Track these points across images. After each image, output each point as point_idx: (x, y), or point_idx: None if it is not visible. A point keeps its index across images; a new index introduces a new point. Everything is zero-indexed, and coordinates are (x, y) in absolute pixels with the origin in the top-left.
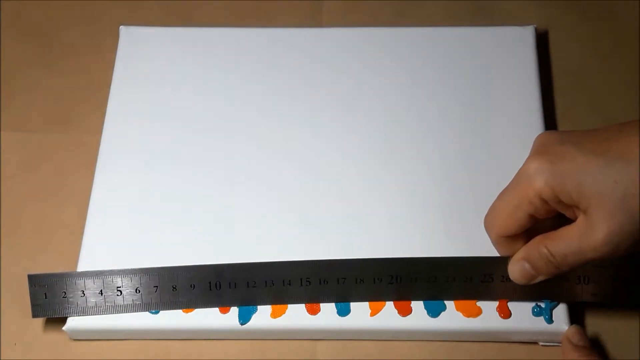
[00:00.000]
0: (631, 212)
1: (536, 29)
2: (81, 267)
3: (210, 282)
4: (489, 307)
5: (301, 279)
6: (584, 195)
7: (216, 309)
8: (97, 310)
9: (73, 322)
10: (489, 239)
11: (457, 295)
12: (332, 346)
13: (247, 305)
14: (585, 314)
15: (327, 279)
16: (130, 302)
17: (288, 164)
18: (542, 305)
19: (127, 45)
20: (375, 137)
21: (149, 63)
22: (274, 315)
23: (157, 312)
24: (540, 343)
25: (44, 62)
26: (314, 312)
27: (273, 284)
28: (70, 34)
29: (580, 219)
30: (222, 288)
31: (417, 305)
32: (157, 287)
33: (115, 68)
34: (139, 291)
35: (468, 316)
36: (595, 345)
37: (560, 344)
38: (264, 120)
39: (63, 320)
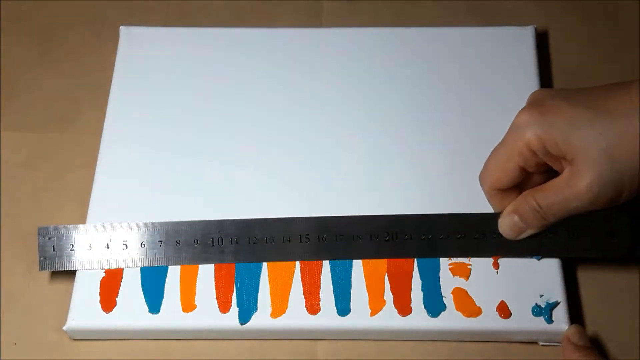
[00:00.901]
0: (613, 163)
1: (536, 29)
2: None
3: (212, 238)
4: (489, 307)
5: (300, 236)
6: (570, 145)
7: (216, 309)
8: (102, 263)
9: (73, 322)
10: (482, 200)
11: (450, 252)
12: (332, 346)
13: (247, 262)
14: (585, 313)
15: (326, 236)
16: (135, 257)
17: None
18: (542, 305)
19: (127, 45)
20: (374, 137)
21: (149, 63)
22: (274, 315)
23: (157, 312)
24: (540, 343)
25: (44, 62)
26: (314, 312)
27: (273, 240)
28: (70, 34)
29: (566, 170)
30: (224, 244)
31: (417, 305)
32: (161, 241)
33: (115, 68)
34: (144, 245)
35: (468, 316)
36: (595, 345)
37: (560, 344)
38: (263, 120)
39: (63, 321)
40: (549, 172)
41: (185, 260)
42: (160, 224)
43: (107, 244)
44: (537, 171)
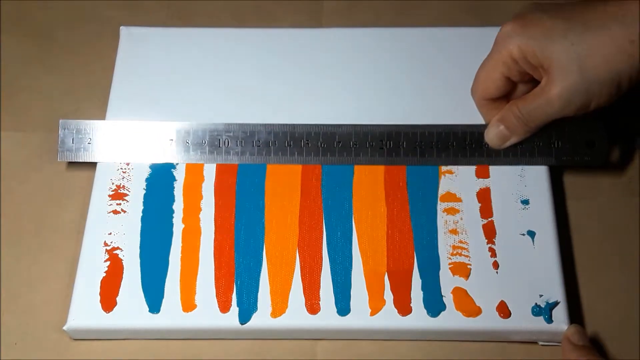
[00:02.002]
0: (583, 72)
1: None
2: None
3: (219, 139)
4: (488, 307)
5: (301, 141)
6: (545, 55)
7: (216, 309)
8: (115, 157)
9: (73, 322)
10: (471, 113)
11: (441, 160)
12: (332, 346)
13: (250, 163)
14: (585, 314)
15: (325, 142)
16: (147, 154)
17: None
18: (542, 305)
19: (127, 45)
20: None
21: (149, 63)
22: (274, 315)
23: (157, 312)
24: (540, 343)
25: (44, 62)
26: (314, 311)
27: (276, 144)
28: (70, 34)
29: (543, 79)
30: (230, 145)
31: (417, 305)
32: (172, 140)
33: (115, 68)
34: (156, 143)
35: (468, 316)
36: (595, 345)
37: (560, 344)
38: (263, 119)
39: (63, 320)
40: (533, 83)
41: (194, 159)
42: (172, 124)
43: (122, 141)
44: (522, 80)
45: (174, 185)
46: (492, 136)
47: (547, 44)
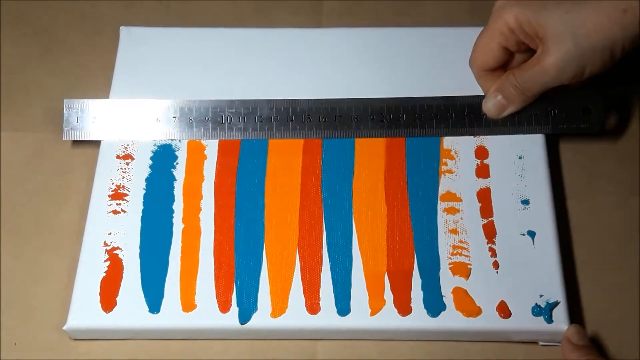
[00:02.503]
0: (577, 39)
1: None
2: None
3: (222, 116)
4: (488, 307)
5: (302, 115)
6: (540, 23)
7: (216, 309)
8: (119, 134)
9: (73, 322)
10: (470, 85)
11: (441, 131)
12: (332, 346)
13: (253, 138)
14: (585, 313)
15: (326, 116)
16: (151, 131)
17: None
18: (542, 305)
19: (127, 45)
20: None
21: (149, 63)
22: (274, 315)
23: (157, 312)
24: (540, 343)
25: (44, 62)
26: (314, 311)
27: (278, 120)
28: (70, 34)
29: (539, 48)
30: (232, 121)
31: (417, 305)
32: (175, 117)
33: (115, 68)
34: (159, 120)
35: (468, 316)
36: (595, 344)
37: (560, 344)
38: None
39: (63, 320)
40: (530, 53)
41: (197, 135)
42: (175, 102)
43: (126, 119)
44: (518, 50)
45: (174, 185)
46: (490, 106)
47: (542, 13)
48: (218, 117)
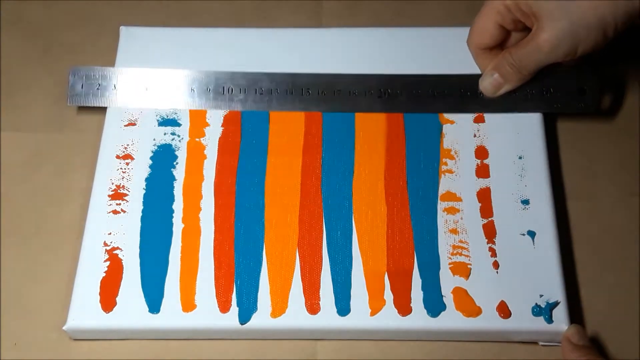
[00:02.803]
0: (571, 17)
1: None
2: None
3: (224, 87)
4: (489, 307)
5: (302, 89)
6: (536, 2)
7: (216, 309)
8: (123, 102)
9: (73, 322)
10: (467, 64)
11: (438, 108)
12: (332, 346)
13: (253, 110)
14: (585, 313)
15: (325, 91)
16: (154, 100)
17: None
18: (542, 305)
19: (127, 45)
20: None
21: (149, 63)
22: (274, 315)
23: (157, 312)
24: (540, 343)
25: (44, 62)
26: (314, 311)
27: (278, 92)
28: (70, 34)
29: (534, 25)
30: (233, 93)
31: (417, 305)
32: (178, 87)
33: (115, 68)
34: (162, 89)
35: (468, 316)
36: (595, 345)
37: (560, 344)
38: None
39: (63, 320)
40: (527, 31)
41: (200, 105)
42: (178, 72)
43: (130, 87)
44: (515, 29)
45: (174, 185)
46: (486, 84)
47: None
48: (220, 88)
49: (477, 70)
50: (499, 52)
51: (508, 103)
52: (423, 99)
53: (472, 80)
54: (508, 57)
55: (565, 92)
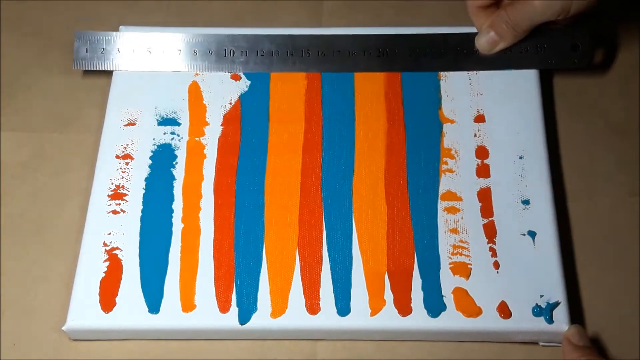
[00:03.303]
0: None
1: None
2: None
3: (225, 50)
4: (489, 307)
5: (302, 50)
6: None
7: (216, 309)
8: (127, 65)
9: (73, 322)
10: (463, 21)
11: (435, 66)
12: (332, 346)
13: (255, 71)
14: (585, 314)
15: (325, 51)
16: (157, 62)
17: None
18: (543, 305)
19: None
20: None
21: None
22: (274, 315)
23: (157, 312)
24: (541, 343)
25: (44, 62)
26: (313, 312)
27: (278, 54)
28: (70, 34)
29: None
30: (235, 55)
31: (417, 305)
32: (180, 50)
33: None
34: (165, 52)
35: (468, 316)
36: (595, 345)
37: (560, 344)
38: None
39: (62, 321)
40: None
41: (202, 68)
42: (179, 35)
43: (133, 50)
44: None
45: (174, 185)
46: (482, 42)
47: None
48: (221, 51)
49: (473, 30)
50: (495, 11)
51: (503, 60)
52: (420, 57)
53: (468, 39)
54: (504, 15)
55: (558, 49)
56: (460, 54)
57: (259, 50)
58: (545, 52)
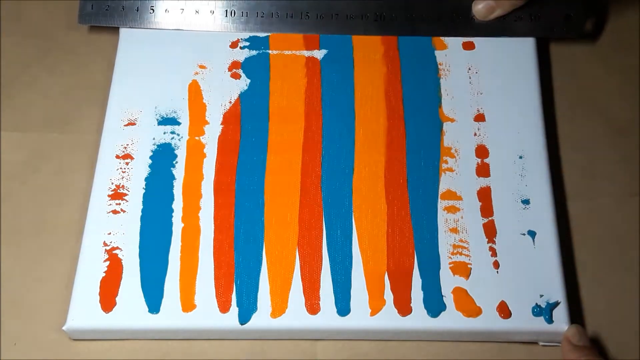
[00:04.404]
0: None
1: None
2: None
3: (226, 10)
4: (489, 307)
5: (301, 13)
6: None
7: (216, 309)
8: (130, 22)
9: (73, 322)
10: None
11: (430, 31)
12: (332, 346)
13: (254, 32)
14: (585, 313)
15: (323, 14)
16: (160, 20)
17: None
18: (543, 305)
19: (127, 45)
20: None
21: (149, 63)
22: (274, 315)
23: (157, 312)
24: (540, 343)
25: (44, 62)
26: (314, 311)
27: (278, 16)
28: (70, 34)
29: None
30: (235, 15)
31: (417, 305)
32: (183, 9)
33: (115, 68)
34: (167, 11)
35: (468, 316)
36: (595, 345)
37: (560, 344)
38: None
39: (62, 321)
40: None
41: (202, 26)
42: None
43: (137, 8)
44: None
45: (174, 184)
46: (480, 8)
47: None
48: (222, 11)
49: None
50: None
51: (498, 27)
52: (417, 22)
53: (465, 4)
54: None
55: (552, 18)
56: (456, 20)
57: (259, 12)
58: (540, 20)
